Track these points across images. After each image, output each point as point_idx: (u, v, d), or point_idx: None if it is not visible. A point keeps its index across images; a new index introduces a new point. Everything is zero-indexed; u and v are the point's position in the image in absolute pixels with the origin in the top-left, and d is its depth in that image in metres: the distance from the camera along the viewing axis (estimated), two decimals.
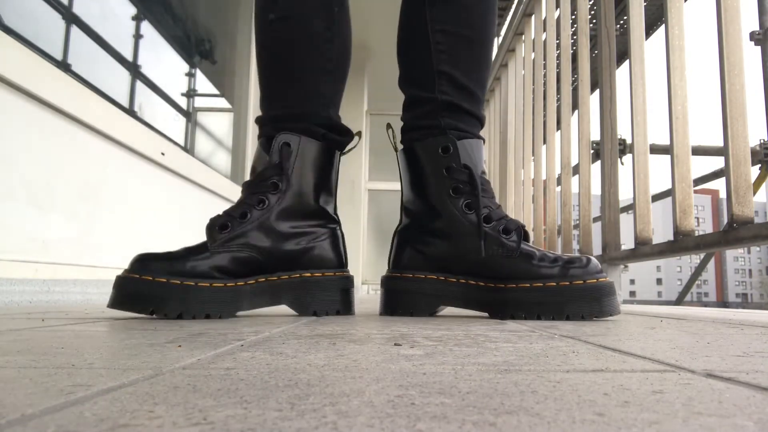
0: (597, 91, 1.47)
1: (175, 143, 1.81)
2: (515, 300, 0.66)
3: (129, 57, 1.63)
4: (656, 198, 3.30)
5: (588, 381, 0.24)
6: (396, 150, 0.80)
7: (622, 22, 2.61)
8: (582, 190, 1.60)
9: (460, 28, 0.74)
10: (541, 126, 2.15)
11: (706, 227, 65.23)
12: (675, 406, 0.19)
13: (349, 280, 0.75)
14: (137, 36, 1.70)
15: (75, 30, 1.34)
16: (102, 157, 1.29)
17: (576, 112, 1.68)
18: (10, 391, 0.21)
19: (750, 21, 1.42)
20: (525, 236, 0.70)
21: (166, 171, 1.62)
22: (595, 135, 1.52)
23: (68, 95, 1.14)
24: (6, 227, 0.99)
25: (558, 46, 1.88)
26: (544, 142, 2.12)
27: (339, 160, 0.79)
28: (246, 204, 0.70)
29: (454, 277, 0.71)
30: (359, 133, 0.80)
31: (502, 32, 2.82)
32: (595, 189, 1.56)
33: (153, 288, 0.62)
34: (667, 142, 1.14)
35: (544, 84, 2.13)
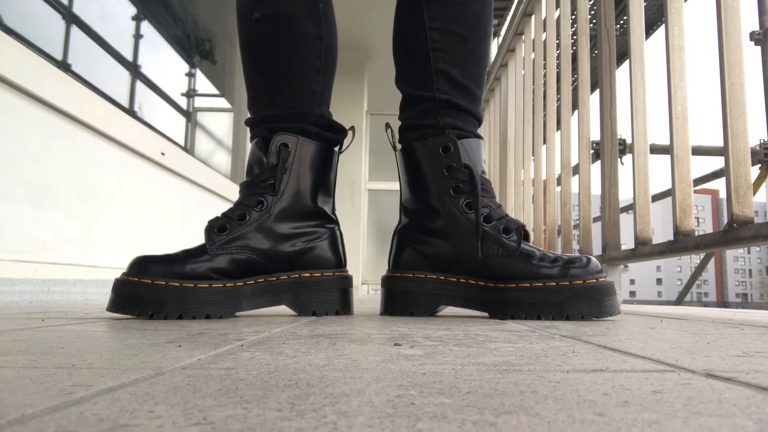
0: (597, 91, 1.47)
1: (175, 143, 1.81)
2: (515, 300, 0.66)
3: (129, 57, 1.63)
4: (656, 198, 3.30)
5: (588, 381, 0.24)
6: (395, 150, 0.79)
7: (622, 22, 2.61)
8: (582, 190, 1.60)
9: (457, 26, 0.74)
10: (541, 126, 2.14)
11: (706, 227, 65.23)
12: (675, 406, 0.19)
13: (348, 280, 0.75)
14: (137, 36, 1.70)
15: (75, 30, 1.34)
16: (102, 157, 1.29)
17: (576, 112, 1.68)
18: (10, 391, 0.21)
19: (750, 21, 1.43)
20: (525, 236, 0.70)
21: (166, 171, 1.62)
22: (595, 135, 1.52)
23: (68, 95, 1.14)
24: (6, 227, 0.99)
25: (558, 46, 1.88)
26: (544, 142, 2.12)
27: (337, 160, 0.78)
28: (244, 205, 0.70)
29: (454, 276, 0.71)
30: (353, 129, 0.80)
31: (502, 32, 2.82)
32: (595, 189, 1.56)
33: (152, 290, 0.62)
34: (667, 142, 1.14)
35: (544, 84, 2.13)
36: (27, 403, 0.19)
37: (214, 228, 0.68)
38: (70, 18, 1.32)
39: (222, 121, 2.50)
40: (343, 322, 0.58)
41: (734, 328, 0.54)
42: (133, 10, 1.69)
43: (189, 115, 2.09)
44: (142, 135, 1.48)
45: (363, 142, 4.04)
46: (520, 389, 0.22)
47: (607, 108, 1.42)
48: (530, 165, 2.28)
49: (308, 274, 0.72)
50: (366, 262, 3.95)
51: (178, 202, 1.70)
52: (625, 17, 1.96)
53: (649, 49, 1.40)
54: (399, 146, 0.78)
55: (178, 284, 0.63)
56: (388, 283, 0.75)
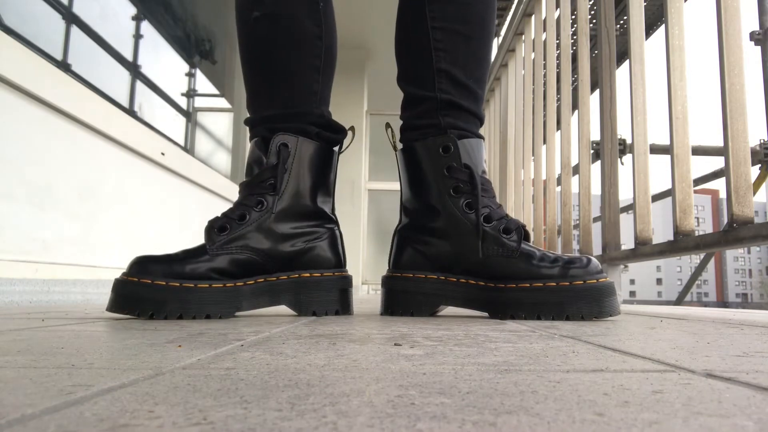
0: (597, 91, 1.47)
1: (175, 143, 1.81)
2: (515, 300, 0.66)
3: (129, 57, 1.63)
4: (656, 198, 3.29)
5: (588, 381, 0.24)
6: (395, 149, 0.79)
7: (622, 22, 2.61)
8: (582, 190, 1.60)
9: (459, 26, 0.73)
10: (541, 126, 2.14)
11: (706, 227, 65.23)
12: (675, 406, 0.19)
13: (347, 280, 0.75)
14: (137, 36, 1.70)
15: (75, 30, 1.34)
16: (102, 157, 1.29)
17: (576, 112, 1.68)
18: (10, 391, 0.21)
19: (750, 21, 1.43)
20: (526, 236, 0.70)
21: (166, 171, 1.62)
22: (595, 135, 1.52)
23: (68, 95, 1.14)
24: (6, 227, 0.99)
25: (558, 46, 1.88)
26: (544, 142, 2.12)
27: (337, 160, 0.78)
28: (244, 205, 0.70)
29: (455, 276, 0.71)
30: (352, 129, 0.80)
31: (502, 32, 2.82)
32: (595, 189, 1.56)
33: (152, 290, 0.62)
34: (667, 142, 1.14)
35: (544, 84, 2.13)
36: (27, 403, 0.19)
37: (214, 228, 0.68)
38: (70, 18, 1.32)
39: (222, 121, 2.50)
40: (343, 322, 0.58)
41: (734, 328, 0.54)
42: (133, 10, 1.69)
43: (189, 115, 2.09)
44: (142, 135, 1.48)
45: (363, 142, 4.04)
46: (520, 389, 0.22)
47: (607, 108, 1.42)
48: (530, 165, 2.28)
49: (308, 274, 0.72)
50: (366, 262, 3.95)
51: (178, 202, 1.70)
52: (625, 17, 1.96)
53: (649, 49, 1.40)
54: (399, 146, 0.78)
55: (178, 284, 0.63)
56: (388, 283, 0.75)
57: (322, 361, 0.29)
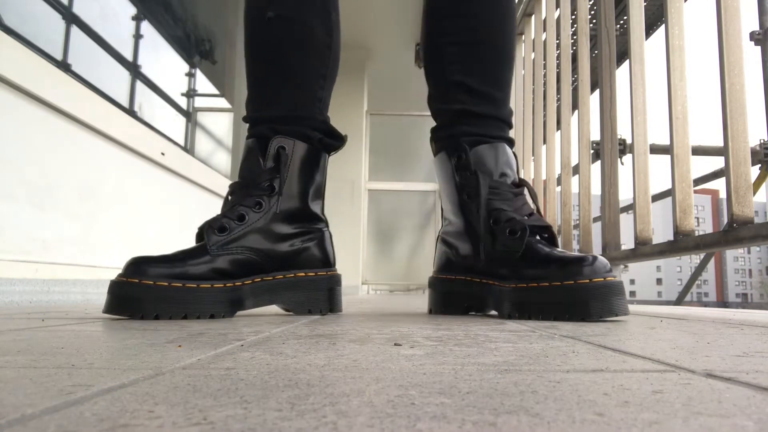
0: (597, 91, 1.47)
1: (175, 143, 1.81)
2: (520, 300, 0.66)
3: (129, 57, 1.63)
4: (656, 198, 3.29)
5: (588, 381, 0.24)
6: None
7: (622, 22, 2.61)
8: (582, 190, 1.60)
9: (471, 37, 0.77)
10: (541, 126, 2.14)
11: (706, 227, 65.20)
12: (675, 406, 0.19)
13: (336, 279, 0.77)
14: (137, 36, 1.70)
15: (75, 30, 1.34)
16: (102, 157, 1.29)
17: (576, 112, 1.68)
18: (10, 391, 0.21)
19: (750, 21, 1.42)
20: (552, 238, 0.72)
21: (166, 171, 1.62)
22: (595, 135, 1.52)
23: (68, 95, 1.14)
24: (6, 227, 0.99)
25: (558, 46, 1.88)
26: (544, 142, 2.12)
27: (326, 161, 0.80)
28: (243, 206, 0.70)
29: (478, 277, 0.74)
30: (346, 137, 0.82)
31: None
32: (595, 189, 1.56)
33: (153, 292, 0.62)
34: (667, 142, 1.14)
35: (544, 84, 2.13)
36: (27, 403, 0.19)
37: (214, 228, 0.68)
38: (70, 18, 1.32)
39: (222, 121, 2.50)
40: (343, 322, 0.58)
41: (734, 328, 0.54)
42: (133, 10, 1.69)
43: (189, 115, 2.09)
44: (142, 135, 1.48)
45: (363, 142, 4.04)
46: (520, 389, 0.22)
47: (607, 108, 1.42)
48: (530, 165, 2.28)
49: (303, 274, 0.73)
50: (366, 262, 3.95)
51: (178, 202, 1.70)
52: (625, 17, 1.96)
53: (649, 49, 1.40)
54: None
55: (180, 285, 0.63)
56: (430, 284, 0.83)
57: (322, 361, 0.29)
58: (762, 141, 3.53)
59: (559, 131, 1.81)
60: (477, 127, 0.76)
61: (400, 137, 4.87)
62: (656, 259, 1.20)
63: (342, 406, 0.19)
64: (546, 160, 2.06)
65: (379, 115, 4.32)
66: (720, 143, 0.95)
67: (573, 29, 1.91)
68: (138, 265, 0.64)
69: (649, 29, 2.93)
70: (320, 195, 0.78)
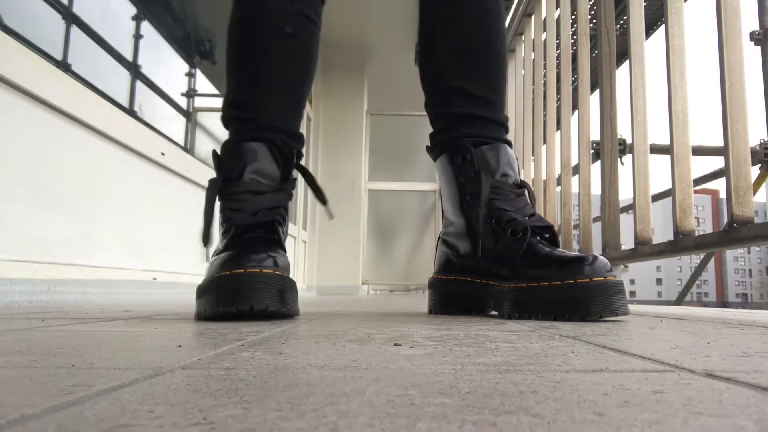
0: (597, 91, 1.47)
1: (175, 143, 1.81)
2: (520, 299, 0.66)
3: (129, 57, 1.63)
4: (656, 198, 3.29)
5: (588, 381, 0.24)
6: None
7: (622, 22, 2.61)
8: (582, 190, 1.60)
9: (467, 44, 0.78)
10: (541, 126, 2.14)
11: (706, 227, 65.15)
12: (675, 406, 0.19)
13: None
14: (137, 36, 1.70)
15: (75, 30, 1.34)
16: (102, 157, 1.29)
17: (576, 112, 1.68)
18: (10, 391, 0.21)
19: (750, 21, 1.42)
20: (553, 238, 0.72)
21: (166, 171, 1.62)
22: (595, 135, 1.52)
23: (68, 95, 1.14)
24: (6, 227, 0.99)
25: (558, 46, 1.88)
26: (544, 142, 2.12)
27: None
28: (284, 208, 0.73)
29: (479, 277, 0.75)
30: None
31: None
32: (595, 189, 1.56)
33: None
34: (667, 142, 1.13)
35: (544, 84, 2.13)
36: (27, 403, 0.19)
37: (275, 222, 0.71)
38: (70, 18, 1.32)
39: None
40: (344, 322, 0.58)
41: (734, 328, 0.54)
42: (133, 10, 1.69)
43: (189, 115, 2.09)
44: (142, 135, 1.48)
45: (363, 142, 4.04)
46: (520, 389, 0.22)
47: (607, 108, 1.42)
48: (530, 165, 2.28)
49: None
50: (366, 262, 3.95)
51: (178, 202, 1.70)
52: (625, 17, 1.96)
53: (649, 49, 1.40)
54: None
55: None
56: (430, 284, 0.84)
57: (322, 361, 0.29)
58: (762, 141, 3.53)
59: (559, 131, 1.81)
60: (477, 129, 0.76)
61: (400, 137, 4.86)
62: (656, 259, 1.20)
63: (342, 406, 0.19)
64: (546, 160, 2.06)
65: (379, 115, 4.32)
66: (720, 143, 0.95)
67: (573, 29, 1.91)
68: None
69: (649, 29, 2.93)
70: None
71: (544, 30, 2.09)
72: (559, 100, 1.81)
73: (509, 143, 0.78)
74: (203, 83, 2.29)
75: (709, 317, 0.75)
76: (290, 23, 0.76)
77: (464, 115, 0.77)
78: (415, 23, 0.85)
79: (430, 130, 0.82)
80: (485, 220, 0.72)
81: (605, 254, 1.36)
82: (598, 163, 1.46)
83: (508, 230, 0.70)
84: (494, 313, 0.74)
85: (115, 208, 1.33)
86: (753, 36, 2.32)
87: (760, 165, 3.55)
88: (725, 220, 0.92)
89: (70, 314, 0.70)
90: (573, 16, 1.89)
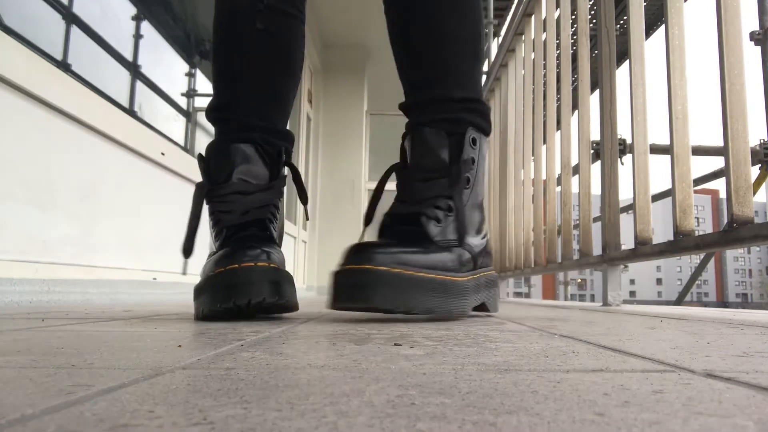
0: (597, 91, 1.47)
1: (175, 143, 1.81)
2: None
3: (129, 57, 1.63)
4: (656, 198, 3.29)
5: (588, 381, 0.24)
6: None
7: (622, 22, 2.61)
8: (582, 190, 1.60)
9: (397, 31, 0.77)
10: (541, 126, 2.14)
11: (706, 227, 65.11)
12: (675, 406, 0.19)
13: None
14: (137, 36, 1.70)
15: (75, 30, 1.34)
16: (102, 157, 1.29)
17: (576, 112, 1.68)
18: (10, 391, 0.21)
19: (750, 21, 1.42)
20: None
21: (166, 171, 1.62)
22: (595, 135, 1.52)
23: (68, 95, 1.14)
24: (6, 227, 0.98)
25: (558, 46, 1.88)
26: (544, 142, 2.12)
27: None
28: (274, 206, 0.73)
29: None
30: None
31: (502, 32, 2.82)
32: (595, 189, 1.56)
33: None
34: (667, 142, 1.13)
35: (544, 84, 2.13)
36: (27, 403, 0.19)
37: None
38: (70, 18, 1.32)
39: None
40: (344, 322, 0.58)
41: (734, 328, 0.54)
42: (133, 10, 1.69)
43: (189, 115, 2.09)
44: (142, 135, 1.48)
45: (363, 142, 4.04)
46: (520, 389, 0.22)
47: (607, 108, 1.42)
48: (530, 165, 2.28)
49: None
50: None
51: (178, 202, 1.70)
52: (625, 17, 1.97)
53: (649, 49, 1.40)
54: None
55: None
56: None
57: (322, 361, 0.29)
58: (762, 141, 3.53)
59: (559, 131, 1.81)
60: (420, 116, 0.74)
61: (400, 137, 4.86)
62: (656, 259, 1.20)
63: (342, 406, 0.19)
64: (546, 160, 2.06)
65: (379, 115, 4.32)
66: (720, 143, 0.95)
67: (573, 29, 1.91)
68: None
69: (649, 29, 2.93)
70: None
71: (544, 30, 2.09)
72: (559, 100, 1.81)
73: (435, 121, 0.72)
74: (203, 83, 2.29)
75: (709, 317, 0.75)
76: (261, 19, 0.75)
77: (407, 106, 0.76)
78: None
79: None
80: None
81: (605, 254, 1.36)
82: (598, 163, 1.46)
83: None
84: (494, 313, 0.74)
85: (115, 208, 1.33)
86: (753, 36, 2.32)
87: (760, 165, 3.55)
88: (725, 220, 0.92)
89: (70, 314, 0.69)
90: (573, 16, 1.89)
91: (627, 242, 1.37)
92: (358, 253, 0.58)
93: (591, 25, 1.99)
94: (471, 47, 0.74)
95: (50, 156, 1.10)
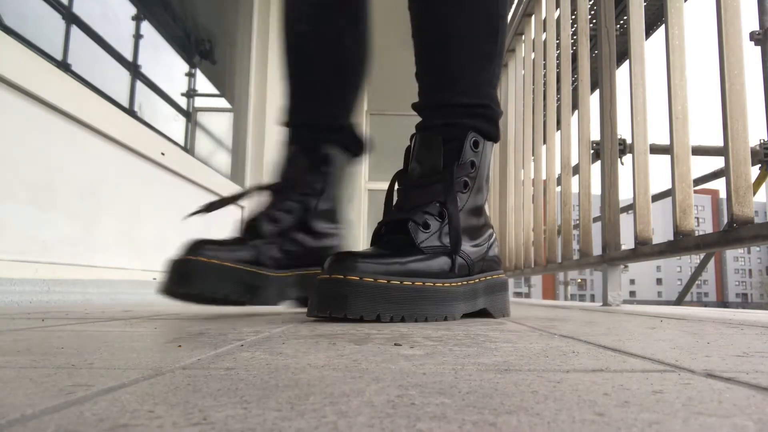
0: (597, 91, 1.47)
1: (175, 143, 1.81)
2: None
3: (129, 57, 1.63)
4: (656, 198, 3.29)
5: (588, 381, 0.24)
6: None
7: (622, 22, 2.61)
8: (582, 190, 1.60)
9: (414, 34, 0.76)
10: (541, 126, 2.14)
11: (706, 227, 65.09)
12: (675, 406, 0.19)
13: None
14: (137, 36, 1.70)
15: (75, 30, 1.34)
16: (102, 157, 1.29)
17: (576, 112, 1.68)
18: (10, 391, 0.21)
19: (750, 21, 1.42)
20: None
21: (166, 171, 1.62)
22: (595, 135, 1.52)
23: (68, 95, 1.14)
24: (6, 227, 0.98)
25: (558, 46, 1.88)
26: (544, 142, 2.12)
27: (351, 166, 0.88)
28: (293, 202, 0.77)
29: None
30: (368, 141, 0.91)
31: None
32: (595, 189, 1.56)
33: (220, 272, 0.67)
34: (667, 142, 1.13)
35: (544, 84, 2.13)
36: (27, 403, 0.19)
37: (265, 220, 0.74)
38: (70, 18, 1.32)
39: (222, 121, 2.50)
40: (343, 322, 0.58)
41: (734, 328, 0.54)
42: (133, 10, 1.69)
43: (189, 115, 2.09)
44: (142, 135, 1.48)
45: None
46: (520, 389, 0.22)
47: (607, 108, 1.42)
48: (530, 165, 2.28)
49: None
50: None
51: (178, 202, 1.70)
52: (625, 17, 1.96)
53: (649, 49, 1.40)
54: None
55: (254, 270, 0.71)
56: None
57: (322, 361, 0.29)
58: (762, 141, 3.53)
59: (559, 131, 1.81)
60: (423, 120, 0.74)
61: (400, 137, 4.86)
62: (656, 259, 1.20)
63: (342, 406, 0.19)
64: (546, 160, 2.06)
65: (379, 115, 4.33)
66: (720, 143, 0.95)
67: (573, 29, 1.91)
68: (202, 245, 0.68)
69: (649, 29, 2.93)
70: (344, 199, 0.85)
71: (544, 30, 2.09)
72: (559, 100, 1.81)
73: (429, 127, 0.73)
74: (203, 83, 2.29)
75: (709, 317, 0.75)
76: (305, 21, 0.80)
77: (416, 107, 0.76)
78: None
79: None
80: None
81: (605, 254, 1.36)
82: (598, 163, 1.46)
83: None
84: (484, 314, 0.74)
85: (115, 208, 1.33)
86: (753, 36, 2.32)
87: (760, 165, 3.55)
88: (725, 220, 0.92)
89: (70, 314, 0.70)
90: (573, 16, 1.89)
91: (627, 242, 1.37)
92: (336, 262, 0.59)
93: (591, 25, 1.99)
94: (481, 50, 0.73)
95: (50, 156, 1.10)
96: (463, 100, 0.72)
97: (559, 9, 1.89)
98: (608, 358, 0.32)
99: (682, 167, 1.10)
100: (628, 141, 2.74)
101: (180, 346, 0.36)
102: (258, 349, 0.34)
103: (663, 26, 1.16)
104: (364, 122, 4.05)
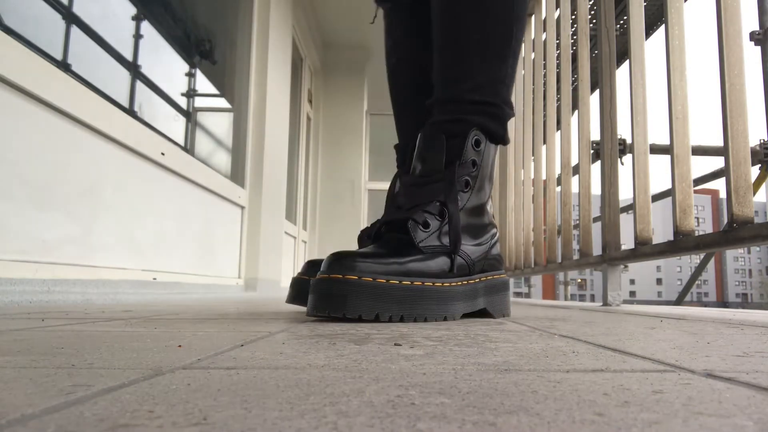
0: (597, 91, 1.47)
1: (175, 143, 1.81)
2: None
3: (129, 57, 1.63)
4: (656, 198, 3.29)
5: (588, 381, 0.24)
6: None
7: (622, 22, 2.61)
8: (582, 190, 1.60)
9: (436, 40, 0.77)
10: (541, 126, 2.14)
11: (706, 227, 65.07)
12: (675, 406, 0.19)
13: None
14: (137, 36, 1.70)
15: (75, 30, 1.34)
16: (102, 157, 1.29)
17: (576, 112, 1.68)
18: (10, 391, 0.21)
19: (750, 21, 1.42)
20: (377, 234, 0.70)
21: (166, 171, 1.62)
22: (595, 135, 1.52)
23: (68, 95, 1.14)
24: (6, 227, 0.98)
25: (558, 46, 1.88)
26: (544, 142, 2.12)
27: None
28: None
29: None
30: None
31: None
32: (595, 189, 1.56)
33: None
34: (667, 142, 1.13)
35: (544, 84, 2.13)
36: (27, 403, 0.19)
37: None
38: (70, 18, 1.32)
39: (222, 121, 2.50)
40: (343, 322, 0.58)
41: (734, 328, 0.54)
42: (133, 10, 1.69)
43: (189, 115, 2.09)
44: (142, 135, 1.48)
45: (363, 142, 4.04)
46: (520, 389, 0.22)
47: (607, 108, 1.42)
48: (530, 165, 2.28)
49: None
50: None
51: (178, 202, 1.70)
52: (625, 17, 1.96)
53: (649, 49, 1.40)
54: None
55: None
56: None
57: (322, 361, 0.29)
58: (762, 141, 3.52)
59: (559, 131, 1.81)
60: (436, 115, 0.74)
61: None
62: (656, 259, 1.20)
63: (342, 406, 0.19)
64: (546, 160, 2.06)
65: (379, 115, 4.32)
66: (720, 143, 0.95)
67: (573, 29, 1.91)
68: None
69: (649, 29, 2.93)
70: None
71: (544, 30, 2.09)
72: (559, 100, 1.81)
73: (439, 123, 0.73)
74: (203, 83, 2.29)
75: (709, 317, 0.75)
76: (394, 54, 0.92)
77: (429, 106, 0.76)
78: None
79: None
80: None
81: (605, 254, 1.36)
82: (598, 163, 1.46)
83: None
84: (483, 314, 0.74)
85: (115, 208, 1.33)
86: (753, 36, 2.32)
87: (760, 165, 3.55)
88: (725, 220, 0.92)
89: (70, 314, 0.69)
90: (573, 16, 1.89)
91: (627, 242, 1.37)
92: (335, 261, 0.59)
93: (591, 25, 1.99)
94: (495, 50, 0.73)
95: (50, 156, 1.10)
96: (472, 96, 0.72)
97: (559, 9, 1.89)
98: (608, 358, 0.32)
99: (682, 167, 1.10)
100: (628, 141, 2.74)
101: (180, 346, 0.36)
102: (258, 349, 0.34)
103: (663, 26, 1.16)
104: (363, 122, 4.05)
